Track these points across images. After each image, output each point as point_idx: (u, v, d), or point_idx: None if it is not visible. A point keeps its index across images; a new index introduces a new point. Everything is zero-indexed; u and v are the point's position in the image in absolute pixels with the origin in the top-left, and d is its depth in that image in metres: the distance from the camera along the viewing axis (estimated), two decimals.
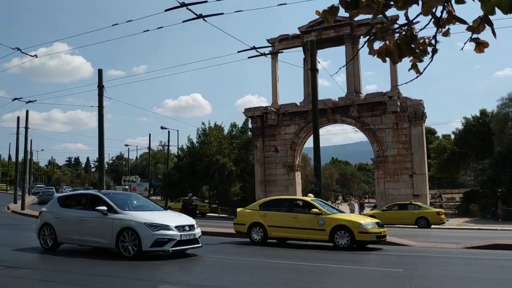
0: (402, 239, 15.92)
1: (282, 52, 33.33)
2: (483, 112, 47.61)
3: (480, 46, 2.51)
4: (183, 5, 13.20)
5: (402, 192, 32.41)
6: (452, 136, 56.14)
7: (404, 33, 2.50)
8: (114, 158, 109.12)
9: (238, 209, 15.72)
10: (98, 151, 25.37)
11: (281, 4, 15.56)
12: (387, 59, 2.56)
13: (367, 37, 2.55)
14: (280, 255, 12.24)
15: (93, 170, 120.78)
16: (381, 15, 2.36)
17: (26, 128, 37.20)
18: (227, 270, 9.23)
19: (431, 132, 66.69)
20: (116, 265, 9.55)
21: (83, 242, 11.49)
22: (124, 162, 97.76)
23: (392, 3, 2.31)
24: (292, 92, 49.70)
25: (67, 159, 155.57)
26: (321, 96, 34.75)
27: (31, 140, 59.35)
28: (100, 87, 24.72)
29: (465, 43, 2.56)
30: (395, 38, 2.53)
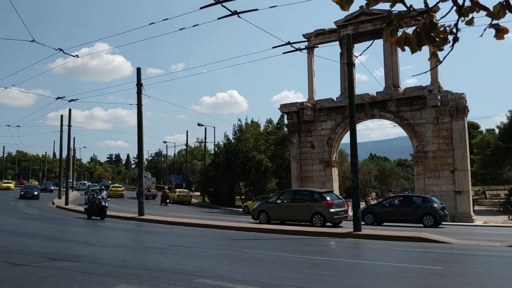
0: (442, 236, 15.52)
1: (318, 47, 32.99)
2: None
3: (500, 32, 2.40)
4: (217, 2, 13.28)
5: (443, 188, 31.54)
6: (497, 131, 54.13)
7: (423, 21, 2.42)
8: (153, 154, 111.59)
9: None
10: (137, 148, 26.03)
11: None
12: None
13: (385, 24, 2.48)
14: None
15: (133, 166, 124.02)
16: (400, 3, 2.28)
17: (69, 126, 38.53)
18: (263, 265, 9.26)
19: (473, 126, 64.59)
20: (150, 257, 9.77)
21: None
22: (162, 159, 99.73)
23: None
24: (329, 87, 49.22)
25: (108, 156, 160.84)
26: (359, 91, 34.25)
27: (74, 138, 61.50)
28: (139, 85, 25.30)
29: (484, 30, 2.45)
30: (415, 26, 2.44)
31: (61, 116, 40.73)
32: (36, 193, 46.58)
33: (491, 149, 48.48)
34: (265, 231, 17.60)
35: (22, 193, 46.12)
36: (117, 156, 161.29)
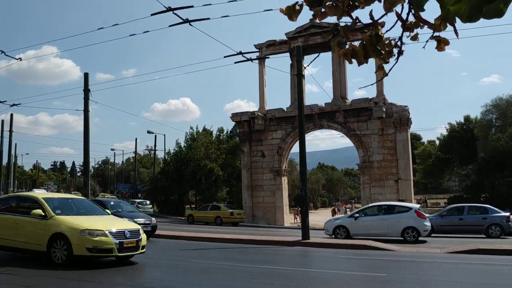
0: (386, 244, 16.05)
1: (269, 57, 33.45)
2: (467, 118, 48.29)
3: (441, 44, 2.53)
4: (169, 9, 13.21)
5: (387, 197, 32.61)
6: (437, 142, 56.87)
7: (369, 33, 2.51)
8: (100, 162, 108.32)
9: None
10: (83, 155, 25.19)
11: (267, 10, 15.65)
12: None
13: (332, 35, 2.57)
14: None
15: (78, 174, 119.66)
16: (347, 16, 2.36)
17: (10, 131, 36.88)
18: (212, 275, 9.21)
19: (416, 137, 67.44)
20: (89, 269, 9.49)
21: None
22: (110, 167, 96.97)
23: (357, 3, 2.31)
24: (280, 97, 50.06)
25: (53, 163, 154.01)
26: (309, 101, 34.98)
27: (15, 144, 58.62)
28: (86, 91, 24.53)
29: (426, 41, 2.58)
30: (361, 38, 2.53)
31: (2, 121, 38.86)
32: None
33: (432, 160, 50.84)
34: (214, 240, 17.50)
35: None
36: (62, 163, 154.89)
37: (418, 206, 19.70)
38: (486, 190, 39.61)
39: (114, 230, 9.97)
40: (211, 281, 8.46)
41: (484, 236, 21.32)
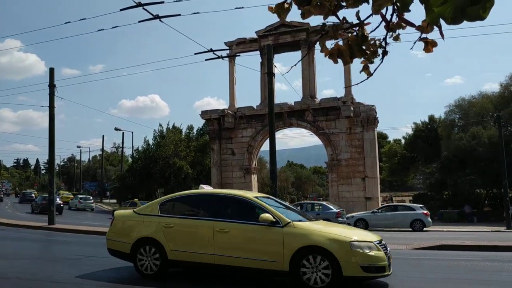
0: None
1: (239, 55, 33.44)
2: (431, 118, 49.61)
3: (429, 45, 2.59)
4: (139, 5, 13.03)
5: (355, 195, 33.23)
6: (403, 141, 58.21)
7: (355, 33, 2.55)
8: (65, 160, 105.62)
9: None
10: (48, 152, 24.56)
11: (238, 8, 15.66)
12: (339, 61, 2.60)
13: (320, 35, 2.59)
14: None
15: (43, 172, 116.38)
16: (333, 15, 2.39)
17: None
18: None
19: (382, 136, 68.84)
20: (61, 269, 9.26)
21: None
22: (76, 164, 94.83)
23: (343, 3, 2.34)
24: (250, 95, 50.04)
25: (16, 160, 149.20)
26: (279, 100, 35.19)
27: None
28: (51, 86, 23.97)
29: (414, 43, 2.62)
30: (347, 38, 2.56)
31: None
32: None
33: (397, 158, 52.04)
34: None
35: None
36: (26, 160, 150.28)
37: None
38: (449, 188, 40.84)
39: (378, 241, 7.49)
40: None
41: None
